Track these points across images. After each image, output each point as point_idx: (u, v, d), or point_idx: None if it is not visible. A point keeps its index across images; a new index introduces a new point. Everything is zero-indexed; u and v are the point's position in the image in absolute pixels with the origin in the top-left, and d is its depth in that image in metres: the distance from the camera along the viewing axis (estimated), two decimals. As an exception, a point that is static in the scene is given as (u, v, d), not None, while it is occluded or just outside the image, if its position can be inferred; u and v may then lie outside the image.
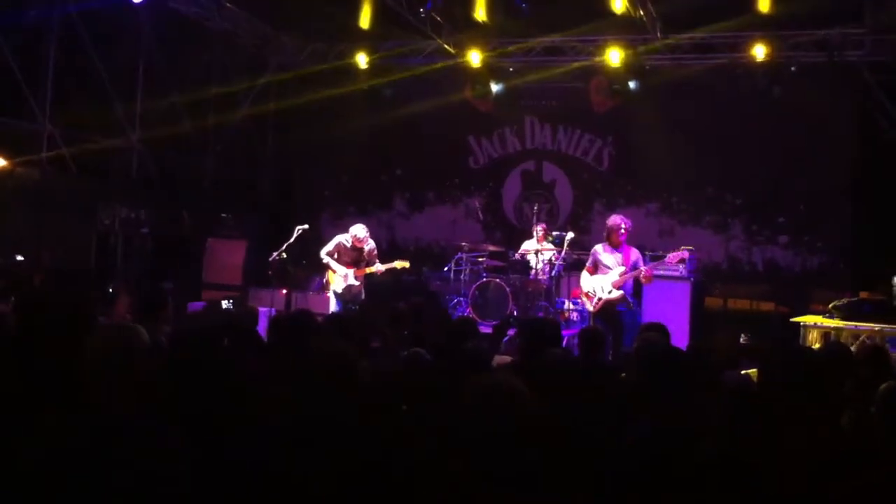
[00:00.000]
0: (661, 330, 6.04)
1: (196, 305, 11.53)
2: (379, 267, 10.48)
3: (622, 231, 9.12)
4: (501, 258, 12.80)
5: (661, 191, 14.13)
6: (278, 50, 15.14)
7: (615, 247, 9.17)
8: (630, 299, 9.20)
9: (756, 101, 13.07)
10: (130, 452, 2.19)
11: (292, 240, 10.65)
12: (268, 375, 3.49)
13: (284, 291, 11.39)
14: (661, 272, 10.48)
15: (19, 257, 10.69)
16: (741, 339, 10.60)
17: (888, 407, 3.45)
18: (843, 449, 3.10)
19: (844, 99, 12.81)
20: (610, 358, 7.29)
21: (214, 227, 14.14)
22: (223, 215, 14.29)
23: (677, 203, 14.08)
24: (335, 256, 10.50)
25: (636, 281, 9.30)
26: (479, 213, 14.71)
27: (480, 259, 12.79)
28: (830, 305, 9.64)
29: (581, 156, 14.84)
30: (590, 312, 9.35)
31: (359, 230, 10.44)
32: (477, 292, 12.13)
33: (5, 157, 11.14)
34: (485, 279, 12.22)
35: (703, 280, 11.62)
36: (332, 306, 10.55)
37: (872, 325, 8.99)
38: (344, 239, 10.52)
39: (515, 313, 11.61)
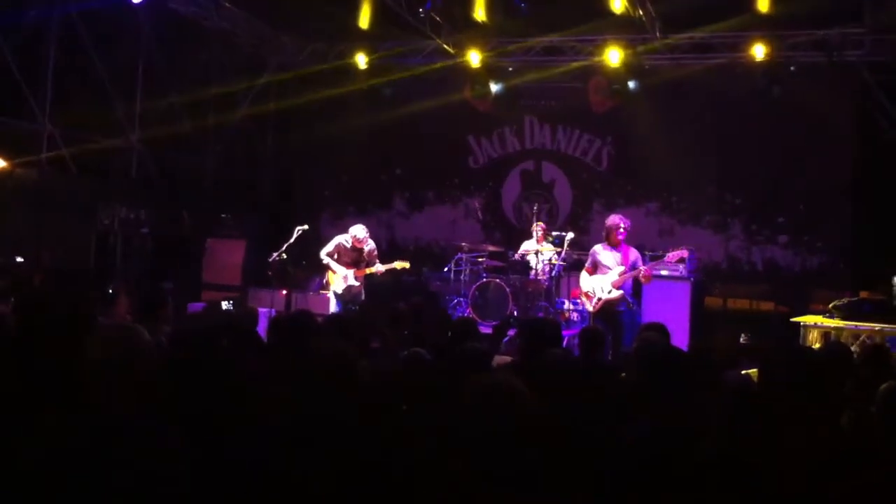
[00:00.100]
0: (660, 330, 6.04)
1: (196, 306, 11.53)
2: (379, 267, 10.48)
3: (621, 230, 9.11)
4: (501, 258, 12.80)
5: (661, 191, 14.12)
6: (278, 50, 15.14)
7: (614, 246, 9.17)
8: (630, 299, 9.20)
9: (755, 101, 13.06)
10: (130, 452, 2.19)
11: (292, 240, 10.65)
12: (267, 376, 3.49)
13: (284, 292, 11.38)
14: (661, 272, 10.49)
15: (19, 259, 10.68)
16: (741, 339, 10.62)
17: (888, 407, 3.45)
18: (843, 449, 3.10)
19: (844, 99, 12.81)
20: (610, 358, 7.29)
21: (214, 227, 14.15)
22: (223, 215, 14.30)
23: (677, 203, 14.08)
24: (335, 257, 10.50)
25: (636, 281, 9.30)
26: (479, 212, 14.71)
27: (480, 259, 12.79)
28: (830, 305, 9.64)
29: (580, 156, 14.83)
30: (589, 312, 9.35)
31: (358, 231, 10.44)
32: (477, 292, 12.13)
33: (5, 158, 11.14)
34: (485, 279, 12.22)
35: (703, 280, 11.61)
36: (332, 307, 10.56)
37: (872, 324, 9.00)
38: (344, 239, 10.52)
39: (515, 314, 11.61)
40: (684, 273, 10.80)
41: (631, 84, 13.43)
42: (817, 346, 8.43)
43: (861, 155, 12.76)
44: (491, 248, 13.11)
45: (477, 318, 11.29)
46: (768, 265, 13.53)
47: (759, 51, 12.28)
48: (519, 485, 2.42)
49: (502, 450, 2.45)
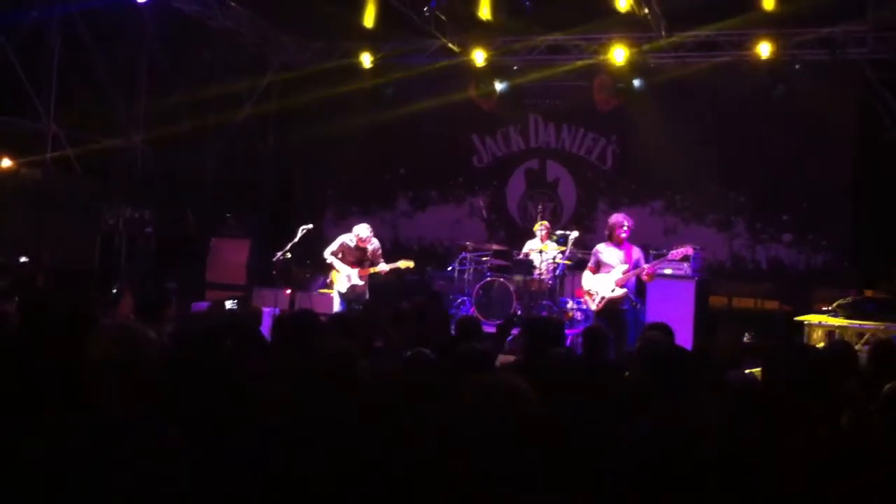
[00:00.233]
0: (664, 329, 6.03)
1: (200, 305, 11.54)
2: (383, 267, 10.48)
3: (624, 229, 9.08)
4: (505, 257, 12.80)
5: (665, 189, 14.11)
6: (281, 49, 15.14)
7: (617, 245, 9.15)
8: (633, 298, 9.18)
9: (760, 100, 13.06)
10: (130, 452, 2.19)
11: (296, 240, 10.65)
12: (269, 375, 3.49)
13: (288, 291, 11.39)
14: (665, 271, 10.47)
15: (23, 259, 10.70)
16: (745, 338, 10.62)
17: (891, 408, 3.44)
18: (843, 449, 3.09)
19: (847, 97, 12.79)
20: (613, 357, 7.28)
21: (218, 226, 14.15)
22: (227, 215, 14.31)
23: (681, 201, 14.06)
24: (339, 256, 10.49)
25: (639, 279, 9.28)
26: (484, 211, 14.71)
27: (484, 258, 12.79)
28: (835, 304, 9.63)
29: (585, 154, 14.82)
30: (593, 311, 9.33)
31: (362, 230, 10.44)
32: (481, 291, 12.14)
33: (9, 157, 11.16)
34: (489, 278, 12.22)
35: (707, 279, 11.59)
36: (336, 306, 10.55)
37: (877, 323, 8.99)
38: (347, 239, 10.51)
39: (519, 312, 11.60)
40: (688, 272, 10.78)
41: (636, 82, 13.44)
42: (821, 345, 8.41)
43: (865, 153, 12.74)
44: (495, 248, 13.10)
45: (481, 317, 11.27)
46: (773, 264, 13.51)
47: (763, 49, 12.27)
48: (519, 485, 2.42)
49: (503, 450, 2.45)
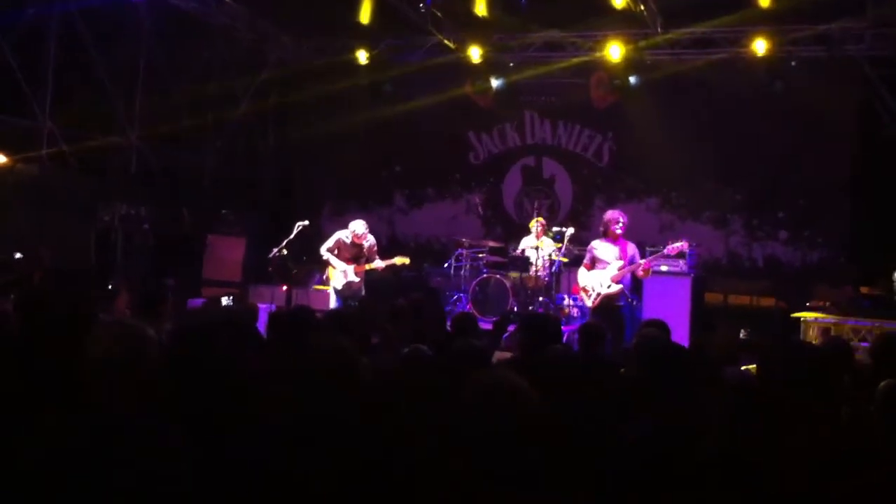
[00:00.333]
0: (660, 326, 6.05)
1: (196, 302, 11.53)
2: (379, 263, 10.48)
3: (620, 225, 9.10)
4: (502, 254, 12.80)
5: (661, 186, 14.13)
6: (278, 45, 15.13)
7: (612, 241, 9.16)
8: (629, 294, 9.19)
9: (756, 96, 13.06)
10: (131, 452, 2.19)
11: (292, 236, 10.65)
12: (268, 373, 3.49)
13: (285, 288, 11.38)
14: (661, 268, 10.48)
15: (18, 255, 10.68)
16: (741, 335, 10.64)
17: (888, 405, 3.45)
18: (844, 448, 3.10)
19: (845, 94, 12.79)
20: (610, 353, 7.28)
21: (215, 223, 14.14)
22: (223, 211, 14.29)
23: (677, 198, 14.08)
24: (335, 253, 10.49)
25: (635, 276, 9.29)
26: (480, 208, 14.71)
27: (481, 255, 12.79)
28: (830, 301, 9.65)
29: (581, 151, 14.83)
30: (589, 308, 9.34)
31: (358, 226, 10.44)
32: (477, 288, 12.15)
33: (5, 154, 11.14)
34: (485, 275, 12.23)
35: (703, 275, 11.61)
36: (332, 302, 10.55)
37: (872, 320, 9.01)
38: (343, 235, 10.51)
39: (515, 309, 11.62)
40: (684, 269, 10.80)
41: (632, 79, 13.42)
42: (816, 341, 8.43)
43: (862, 150, 12.76)
44: (491, 244, 13.11)
45: (477, 314, 11.28)
46: (769, 261, 13.53)
47: (760, 46, 12.28)
48: (520, 484, 2.42)
49: (504, 449, 2.45)
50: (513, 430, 2.47)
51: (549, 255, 11.76)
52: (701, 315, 10.85)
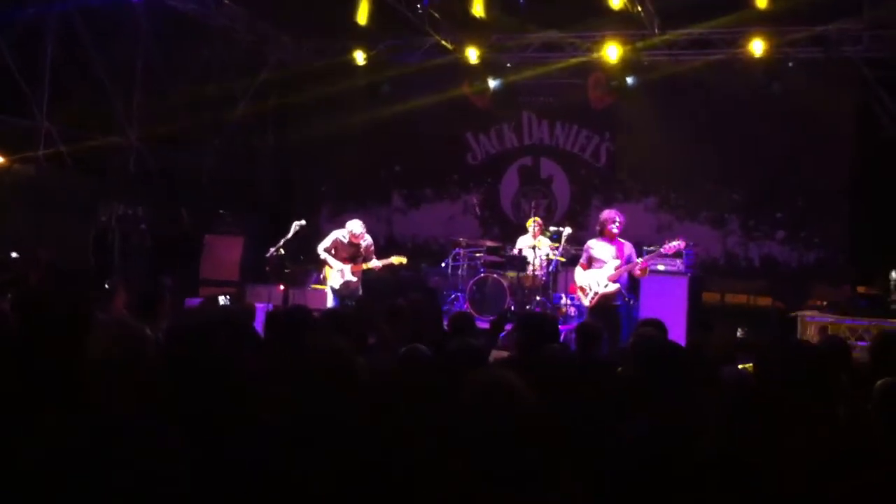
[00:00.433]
0: (657, 325, 6.06)
1: (194, 301, 11.52)
2: (376, 263, 10.49)
3: (616, 224, 9.11)
4: (499, 254, 12.81)
5: (659, 186, 14.16)
6: (277, 46, 15.12)
7: (609, 240, 9.17)
8: (626, 293, 9.20)
9: (754, 97, 13.08)
10: (130, 452, 2.20)
11: (289, 236, 10.64)
12: (265, 373, 3.49)
13: (282, 287, 11.38)
14: (658, 267, 10.50)
15: (14, 254, 10.67)
16: (738, 334, 10.66)
17: (885, 404, 3.46)
18: (841, 448, 3.10)
19: (843, 95, 12.83)
20: (606, 353, 7.30)
21: (213, 223, 14.13)
22: (221, 211, 14.28)
23: (674, 199, 14.11)
24: (332, 252, 10.50)
25: (631, 275, 9.30)
26: (477, 209, 14.71)
27: (478, 255, 12.80)
28: (827, 301, 9.68)
29: (579, 152, 14.85)
30: (586, 307, 9.35)
31: (355, 226, 10.44)
32: (474, 287, 12.16)
33: (3, 154, 11.13)
34: (482, 275, 12.24)
35: (700, 275, 11.63)
36: (330, 302, 10.55)
37: (869, 319, 9.03)
38: (340, 234, 10.52)
39: (513, 308, 11.63)
40: (681, 268, 10.81)
41: (629, 80, 13.43)
42: (814, 340, 8.45)
43: (859, 151, 12.79)
44: (489, 244, 13.12)
45: (474, 313, 11.27)
46: (766, 261, 13.56)
47: (757, 47, 12.29)
48: (518, 484, 2.43)
49: (501, 449, 2.46)
50: (510, 430, 2.48)
51: (547, 255, 11.78)
52: (698, 314, 10.86)
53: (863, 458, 3.04)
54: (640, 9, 11.93)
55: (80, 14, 11.82)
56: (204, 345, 3.35)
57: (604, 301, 9.02)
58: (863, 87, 12.57)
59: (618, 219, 9.13)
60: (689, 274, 10.84)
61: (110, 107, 12.88)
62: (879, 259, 11.20)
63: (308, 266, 12.56)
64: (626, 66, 13.27)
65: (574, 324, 10.23)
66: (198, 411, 2.84)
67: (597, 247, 9.20)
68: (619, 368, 5.11)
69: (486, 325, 8.93)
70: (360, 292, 10.44)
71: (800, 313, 9.75)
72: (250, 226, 14.09)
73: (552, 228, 12.25)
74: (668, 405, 3.40)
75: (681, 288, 10.73)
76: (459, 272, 12.78)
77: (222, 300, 11.14)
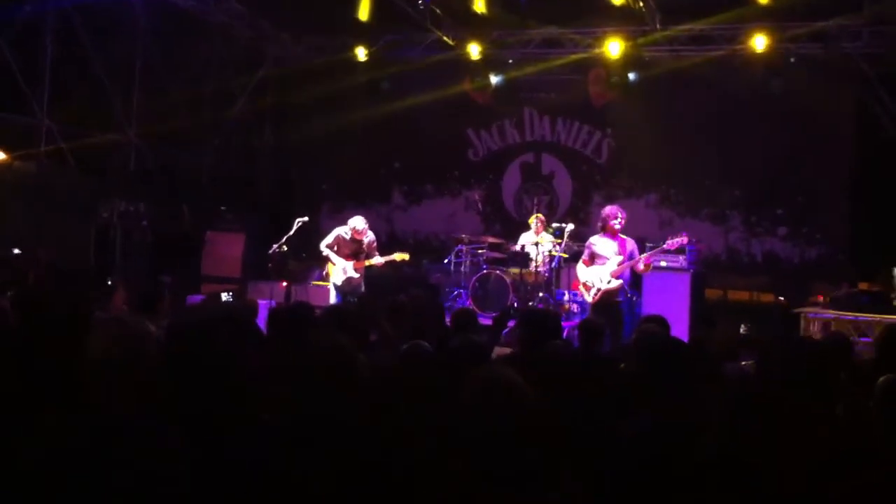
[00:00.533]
0: (660, 322, 6.05)
1: (196, 298, 11.52)
2: (379, 259, 10.48)
3: (618, 220, 9.10)
4: (501, 250, 12.80)
5: (660, 182, 14.14)
6: (276, 43, 15.11)
7: (611, 237, 9.16)
8: (628, 290, 9.20)
9: (755, 93, 13.05)
10: (130, 452, 2.18)
11: (292, 232, 10.65)
12: (267, 371, 3.48)
13: (284, 284, 11.39)
14: (661, 263, 10.48)
15: (16, 251, 10.67)
16: (741, 331, 10.65)
17: (887, 401, 3.44)
18: (842, 446, 3.09)
19: (843, 90, 12.82)
20: (609, 349, 7.29)
21: (213, 220, 14.13)
22: (222, 208, 14.28)
23: (676, 195, 14.09)
24: (335, 249, 10.49)
25: (634, 272, 9.29)
26: (479, 205, 14.70)
27: (480, 251, 12.79)
28: (829, 297, 9.66)
29: (580, 148, 14.84)
30: (589, 304, 9.34)
31: (358, 222, 10.43)
32: (477, 284, 12.14)
33: (4, 152, 11.13)
34: (485, 271, 12.22)
35: (702, 271, 11.61)
36: (332, 298, 10.55)
37: (871, 315, 9.02)
38: (343, 231, 10.51)
39: (516, 305, 11.61)
40: (684, 264, 10.79)
41: (630, 76, 13.41)
42: (817, 337, 8.43)
43: (860, 147, 12.78)
44: (491, 240, 13.10)
45: (477, 310, 11.27)
46: (768, 257, 13.54)
47: (758, 42, 12.27)
48: (519, 484, 2.42)
49: (502, 448, 2.45)
50: (510, 429, 2.47)
51: (549, 252, 11.77)
52: (700, 311, 10.85)
53: (864, 456, 3.03)
54: (641, 4, 11.91)
55: (79, 12, 11.81)
56: (206, 342, 3.33)
57: (606, 297, 9.01)
58: (863, 83, 12.56)
59: (619, 215, 9.12)
60: (691, 270, 10.82)
61: (110, 104, 12.88)
62: (881, 255, 11.19)
63: (310, 263, 12.56)
64: (627, 62, 13.25)
65: (576, 320, 10.22)
66: (198, 411, 2.83)
67: (599, 243, 9.19)
68: (622, 365, 5.09)
69: (488, 322, 8.94)
70: (363, 289, 10.43)
71: (802, 309, 9.73)
72: (251, 223, 14.08)
73: (554, 225, 12.24)
74: (670, 402, 3.39)
75: (683, 284, 10.71)
76: (462, 269, 12.78)
77: (224, 297, 11.15)
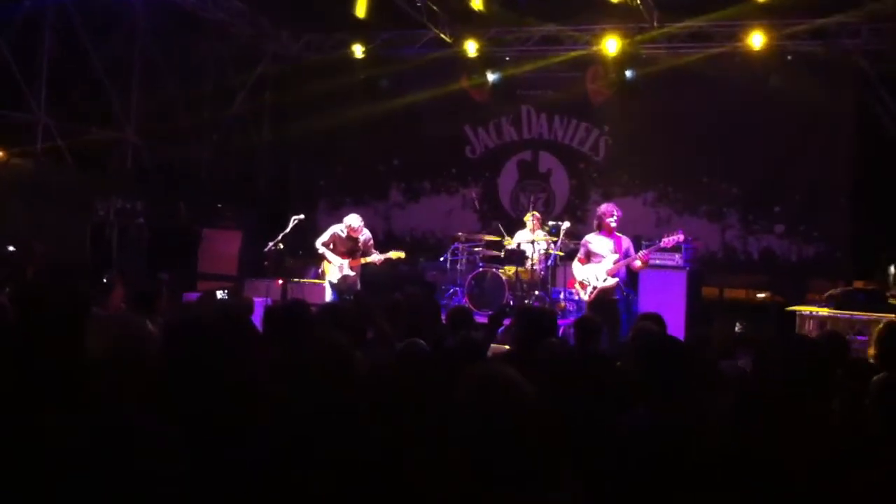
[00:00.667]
0: (656, 320, 6.06)
1: (192, 296, 11.51)
2: (377, 257, 10.49)
3: (614, 218, 9.10)
4: (498, 248, 12.79)
5: (658, 180, 14.13)
6: (274, 41, 15.09)
7: (607, 234, 9.16)
8: (624, 287, 9.20)
9: (753, 90, 13.04)
10: (130, 452, 2.19)
11: (288, 230, 10.65)
12: (264, 370, 3.49)
13: (280, 281, 11.39)
14: (658, 262, 10.49)
15: (11, 248, 10.66)
16: (737, 329, 10.66)
17: (883, 399, 3.45)
18: (840, 444, 3.10)
19: (842, 87, 12.81)
20: (606, 346, 7.30)
21: (211, 218, 14.12)
22: (219, 205, 14.28)
23: (673, 192, 14.08)
24: (331, 247, 10.49)
25: (630, 269, 9.30)
26: (476, 203, 14.69)
27: (477, 249, 12.78)
28: (825, 295, 9.67)
29: (577, 145, 14.82)
30: (585, 302, 9.35)
31: (353, 220, 10.44)
32: (473, 282, 12.12)
33: (1, 149, 11.12)
34: (481, 269, 12.21)
35: (699, 269, 11.62)
36: (328, 296, 10.55)
37: (867, 314, 9.02)
38: (339, 229, 10.51)
39: (511, 303, 11.61)
40: (680, 263, 10.81)
41: (628, 73, 13.41)
42: (813, 335, 8.44)
43: (858, 145, 12.77)
44: (487, 238, 13.09)
45: (473, 308, 11.27)
46: (765, 255, 13.54)
47: (756, 40, 12.27)
48: (519, 483, 2.42)
49: (501, 446, 2.45)
50: (508, 427, 2.47)
51: (546, 250, 11.76)
52: (697, 309, 10.86)
53: (860, 454, 3.04)
54: (639, 2, 11.92)
55: (77, 9, 11.80)
56: (201, 340, 3.34)
57: (603, 295, 9.02)
58: (862, 80, 12.58)
59: (615, 212, 9.13)
60: (687, 268, 10.83)
61: (108, 101, 12.88)
62: (878, 253, 11.20)
63: (306, 260, 12.56)
64: (625, 59, 13.25)
65: (573, 318, 10.22)
66: (197, 410, 2.83)
67: (595, 241, 9.20)
68: (619, 363, 5.11)
69: (484, 320, 8.94)
70: (359, 287, 10.43)
71: (798, 308, 9.73)
72: (248, 220, 14.08)
73: (551, 223, 12.23)
74: (667, 399, 3.40)
75: (680, 282, 10.73)
76: (458, 266, 12.76)
77: (220, 295, 11.14)
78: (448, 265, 12.93)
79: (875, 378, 3.58)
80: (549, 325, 5.47)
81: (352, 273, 10.42)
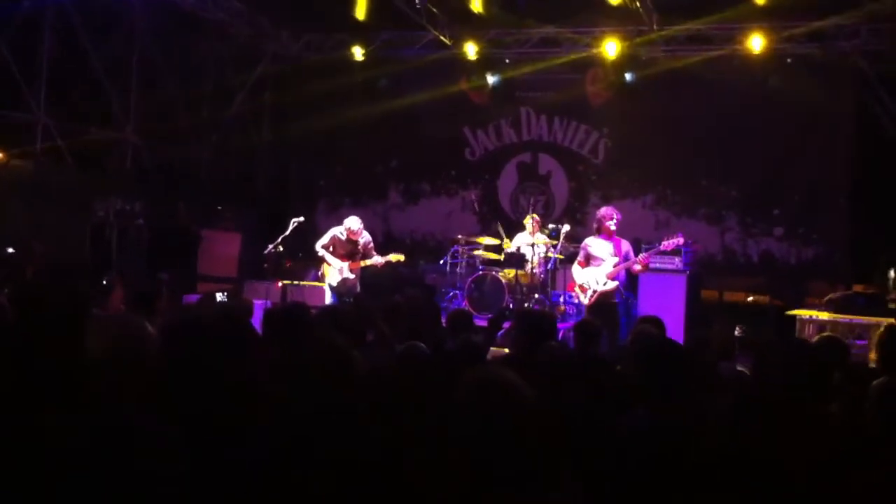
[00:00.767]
0: (656, 323, 6.06)
1: (192, 298, 11.51)
2: (378, 259, 10.48)
3: (613, 221, 9.10)
4: (497, 251, 12.79)
5: (657, 183, 14.14)
6: (274, 41, 15.10)
7: (606, 238, 9.15)
8: (624, 291, 9.20)
9: (752, 93, 13.07)
10: (130, 452, 2.19)
11: (288, 232, 10.64)
12: (264, 372, 3.48)
13: (280, 284, 11.38)
14: (657, 265, 10.49)
15: (10, 249, 10.65)
16: (736, 332, 10.65)
17: (882, 403, 3.45)
18: (839, 447, 3.10)
19: (841, 89, 12.82)
20: (606, 350, 7.29)
21: (210, 219, 14.12)
22: (218, 207, 14.27)
23: (672, 195, 14.09)
24: (330, 249, 10.49)
25: (630, 272, 9.30)
26: (476, 205, 14.70)
27: (476, 252, 12.77)
28: (825, 299, 9.67)
29: (577, 148, 14.83)
30: (585, 305, 9.34)
31: (353, 222, 10.43)
32: (473, 285, 12.12)
33: (0, 149, 11.12)
34: (481, 272, 12.21)
35: (698, 272, 11.62)
36: (328, 299, 10.55)
37: (866, 318, 9.02)
38: (338, 231, 10.51)
39: (511, 306, 11.60)
40: (680, 266, 10.81)
41: (628, 76, 13.43)
42: (812, 339, 8.44)
43: (858, 148, 12.78)
44: (487, 241, 13.09)
45: (472, 311, 11.25)
46: (764, 257, 13.54)
47: (756, 42, 12.29)
48: (519, 484, 2.42)
49: (500, 448, 2.45)
50: (507, 429, 2.47)
51: (545, 253, 11.76)
52: (696, 312, 10.86)
53: (859, 456, 3.04)
54: (638, 4, 11.92)
55: (77, 9, 11.80)
56: (201, 340, 3.34)
57: (602, 299, 9.01)
58: (861, 81, 12.59)
59: (614, 216, 9.12)
60: (687, 271, 10.83)
61: (108, 102, 12.87)
62: (876, 256, 11.20)
63: (306, 263, 12.56)
64: (625, 61, 13.26)
65: (572, 321, 10.22)
66: (197, 410, 2.83)
67: (594, 244, 9.19)
68: (618, 366, 5.11)
69: (484, 323, 8.93)
70: (358, 289, 10.43)
71: (798, 311, 9.74)
72: (248, 221, 14.08)
73: (550, 226, 12.23)
74: (667, 402, 3.40)
75: (679, 285, 10.73)
76: (458, 269, 12.76)
77: (220, 297, 11.12)
78: (448, 268, 12.92)
79: (875, 382, 3.58)
80: (548, 328, 5.47)
81: (351, 276, 10.41)
